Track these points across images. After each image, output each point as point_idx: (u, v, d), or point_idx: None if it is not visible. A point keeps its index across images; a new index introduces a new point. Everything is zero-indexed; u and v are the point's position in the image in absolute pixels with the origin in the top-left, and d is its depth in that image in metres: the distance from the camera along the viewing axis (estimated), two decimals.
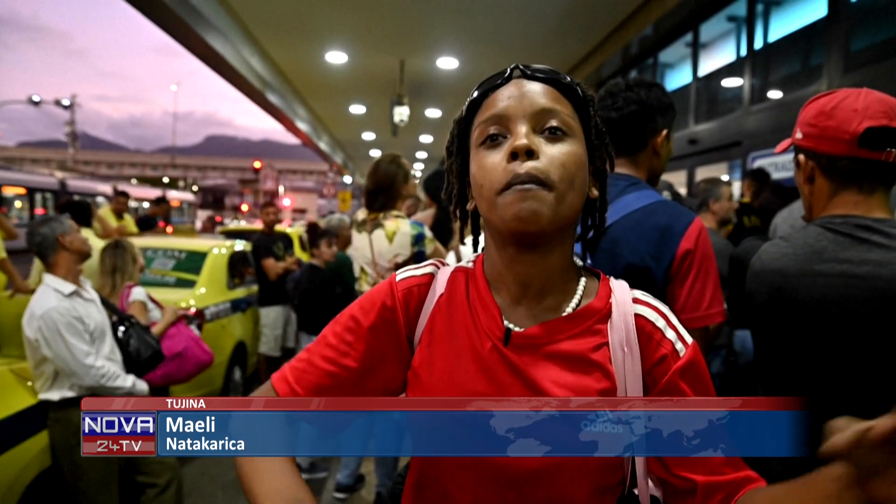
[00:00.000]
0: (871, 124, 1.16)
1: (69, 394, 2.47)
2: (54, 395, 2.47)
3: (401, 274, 0.91)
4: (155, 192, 27.91)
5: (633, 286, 0.87)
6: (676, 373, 0.78)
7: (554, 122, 0.78)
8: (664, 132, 1.55)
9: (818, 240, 1.22)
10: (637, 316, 0.81)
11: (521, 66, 0.82)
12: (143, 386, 2.68)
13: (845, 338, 1.14)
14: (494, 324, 0.82)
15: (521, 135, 0.76)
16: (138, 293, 3.08)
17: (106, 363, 2.51)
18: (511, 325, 0.81)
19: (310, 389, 0.83)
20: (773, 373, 1.30)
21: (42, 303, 2.46)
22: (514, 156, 0.75)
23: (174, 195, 30.52)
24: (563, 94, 0.81)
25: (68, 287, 2.53)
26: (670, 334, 0.80)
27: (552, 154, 0.76)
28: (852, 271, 1.14)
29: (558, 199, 0.75)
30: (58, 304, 2.44)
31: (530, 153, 0.75)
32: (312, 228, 5.68)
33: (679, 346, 0.80)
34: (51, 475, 2.52)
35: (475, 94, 0.84)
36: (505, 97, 0.80)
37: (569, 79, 0.82)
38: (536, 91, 0.79)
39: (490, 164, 0.78)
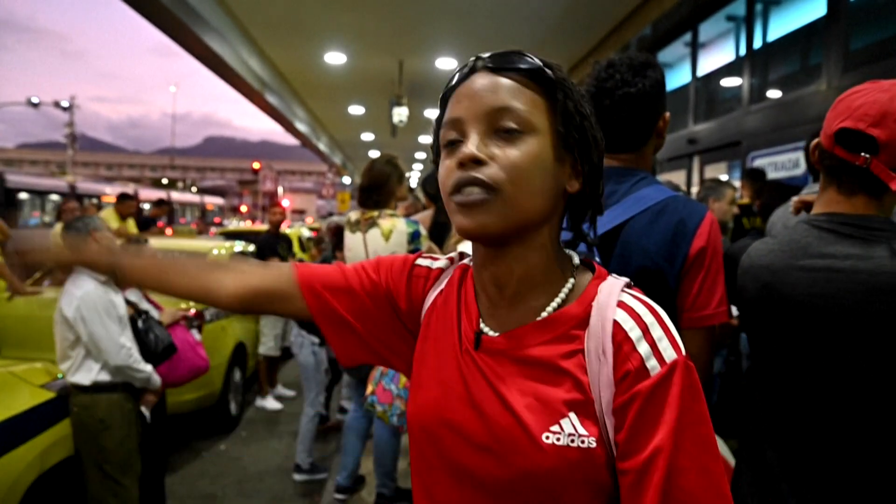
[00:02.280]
0: (846, 125, 1.16)
1: (101, 377, 2.66)
2: (83, 379, 2.65)
3: (421, 259, 0.93)
4: (195, 198, 31.86)
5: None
6: (638, 395, 0.69)
7: (508, 123, 0.73)
8: (666, 114, 1.51)
9: (804, 236, 1.24)
10: (614, 322, 0.73)
11: (482, 58, 0.78)
12: (157, 378, 2.83)
13: (832, 331, 1.15)
14: (471, 327, 0.81)
15: (470, 142, 0.74)
16: (131, 294, 3.09)
17: (132, 346, 2.75)
18: (486, 329, 0.80)
19: (329, 290, 0.91)
20: (765, 368, 1.31)
21: (80, 285, 2.68)
22: (461, 165, 0.73)
23: (209, 199, 33.52)
24: (530, 80, 0.76)
25: (101, 276, 2.76)
26: (643, 347, 0.71)
27: (504, 157, 0.72)
28: (836, 266, 1.16)
29: (509, 204, 0.72)
30: (96, 288, 2.69)
31: (478, 161, 0.72)
32: (337, 230, 5.68)
33: (651, 362, 0.70)
34: (50, 478, 2.52)
35: (443, 91, 0.82)
36: (461, 97, 0.77)
37: (537, 62, 0.76)
38: (492, 87, 0.75)
39: (443, 170, 0.77)
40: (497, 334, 0.79)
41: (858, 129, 1.15)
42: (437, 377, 0.82)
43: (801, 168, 4.87)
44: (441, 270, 0.91)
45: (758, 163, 5.43)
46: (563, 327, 0.76)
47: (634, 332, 0.72)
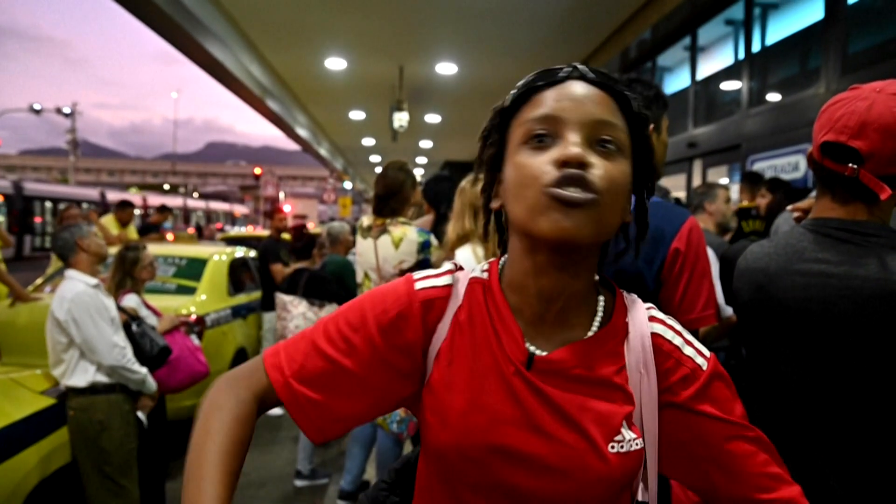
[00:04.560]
0: (828, 138, 1.17)
1: (98, 377, 2.66)
2: (80, 381, 2.64)
3: (420, 281, 0.83)
4: (226, 206, 37.99)
5: (624, 291, 0.86)
6: (701, 388, 0.79)
7: (609, 136, 0.73)
8: (650, 127, 1.53)
9: (800, 240, 1.25)
10: (654, 335, 0.79)
11: (579, 68, 0.77)
12: (152, 381, 2.82)
13: (825, 335, 1.16)
14: (517, 347, 0.78)
15: (576, 143, 0.71)
16: (130, 300, 3.11)
17: (126, 346, 2.73)
18: (533, 349, 0.78)
19: (305, 382, 0.78)
20: (759, 370, 1.31)
21: (71, 288, 2.68)
22: (565, 164, 0.70)
23: (237, 208, 37.86)
24: (618, 105, 0.76)
25: (92, 280, 2.77)
26: (689, 351, 0.80)
27: (604, 169, 0.71)
28: (831, 271, 1.17)
29: (603, 215, 0.71)
30: (86, 290, 2.69)
31: (582, 166, 0.70)
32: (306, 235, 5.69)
33: (700, 360, 0.80)
34: (51, 483, 2.53)
35: (525, 85, 0.78)
36: (559, 97, 0.74)
37: (628, 93, 0.77)
38: (594, 98, 0.74)
39: (534, 165, 0.72)
40: (545, 353, 0.77)
41: (840, 141, 1.15)
42: (476, 402, 0.77)
43: (801, 171, 4.87)
44: (451, 287, 0.83)
45: (757, 166, 5.44)
46: (610, 343, 0.79)
47: (677, 340, 0.81)
